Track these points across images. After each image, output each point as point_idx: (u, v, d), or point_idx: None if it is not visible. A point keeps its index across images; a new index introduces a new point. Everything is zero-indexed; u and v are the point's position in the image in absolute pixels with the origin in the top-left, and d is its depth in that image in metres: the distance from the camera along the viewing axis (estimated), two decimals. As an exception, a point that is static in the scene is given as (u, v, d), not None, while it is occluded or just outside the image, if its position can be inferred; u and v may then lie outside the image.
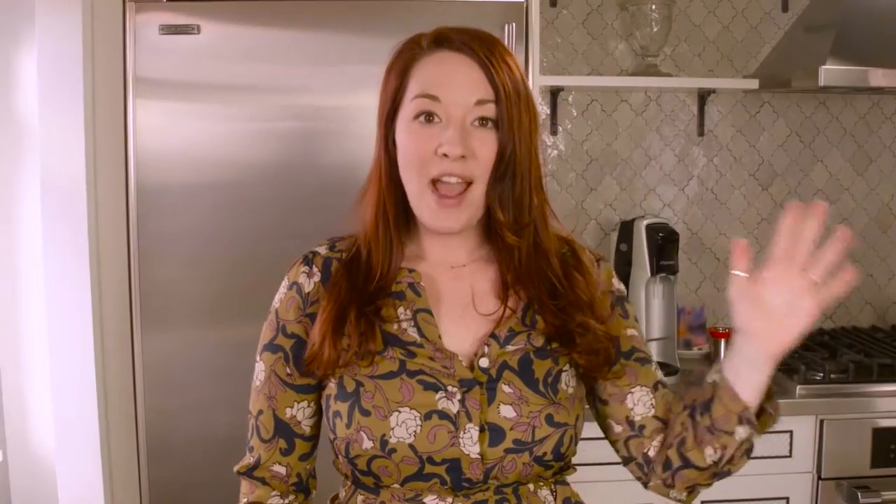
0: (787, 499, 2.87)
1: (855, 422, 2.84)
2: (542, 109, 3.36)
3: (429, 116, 1.43)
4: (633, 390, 1.55)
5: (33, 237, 2.79)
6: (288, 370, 1.53)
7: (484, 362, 1.47)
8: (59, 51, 2.55)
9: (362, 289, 1.49)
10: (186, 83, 2.61)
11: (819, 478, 2.86)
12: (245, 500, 1.59)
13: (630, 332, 1.57)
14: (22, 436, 3.25)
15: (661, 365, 3.03)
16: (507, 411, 1.44)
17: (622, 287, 1.62)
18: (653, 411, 1.55)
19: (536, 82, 2.72)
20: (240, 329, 2.66)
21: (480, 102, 1.42)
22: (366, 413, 1.43)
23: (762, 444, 2.77)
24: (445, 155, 1.41)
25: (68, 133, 2.60)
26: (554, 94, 3.35)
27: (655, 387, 1.57)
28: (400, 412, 1.42)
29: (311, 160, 2.63)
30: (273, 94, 2.62)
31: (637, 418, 1.55)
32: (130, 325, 2.72)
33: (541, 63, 3.17)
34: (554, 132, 3.37)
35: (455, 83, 1.43)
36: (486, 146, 1.43)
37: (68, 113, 2.58)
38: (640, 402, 1.56)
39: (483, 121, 1.43)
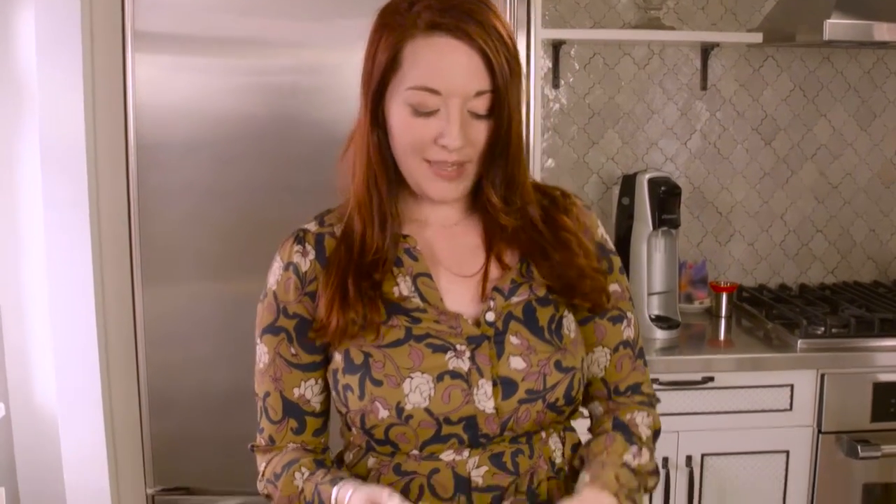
0: (788, 452, 2.91)
1: (856, 376, 2.87)
2: (544, 63, 3.38)
3: (427, 108, 1.41)
4: (594, 350, 1.59)
5: (33, 194, 2.80)
6: (293, 350, 1.53)
7: (490, 316, 1.49)
8: (57, 6, 2.54)
9: (359, 262, 1.48)
10: (186, 37, 2.60)
11: (819, 431, 2.89)
12: (266, 463, 1.58)
13: (611, 287, 1.59)
14: (24, 390, 3.28)
15: (662, 319, 3.07)
16: (516, 363, 1.46)
17: (607, 238, 1.63)
18: (602, 374, 1.60)
19: (538, 35, 2.71)
20: (241, 283, 2.68)
21: (479, 94, 1.40)
22: (378, 383, 1.44)
23: (763, 398, 2.85)
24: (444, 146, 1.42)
25: (67, 89, 2.60)
26: (556, 47, 3.34)
27: (617, 348, 1.60)
28: (412, 378, 1.43)
29: (311, 114, 2.62)
30: (272, 48, 2.62)
31: (588, 375, 1.60)
32: (131, 280, 2.73)
33: (543, 16, 3.16)
34: (556, 85, 3.38)
35: (455, 76, 1.39)
36: (482, 133, 1.43)
37: (67, 69, 2.58)
38: (595, 363, 1.61)
39: (480, 111, 1.43)
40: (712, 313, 3.38)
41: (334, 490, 1.41)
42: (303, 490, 1.48)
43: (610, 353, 1.60)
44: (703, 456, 2.90)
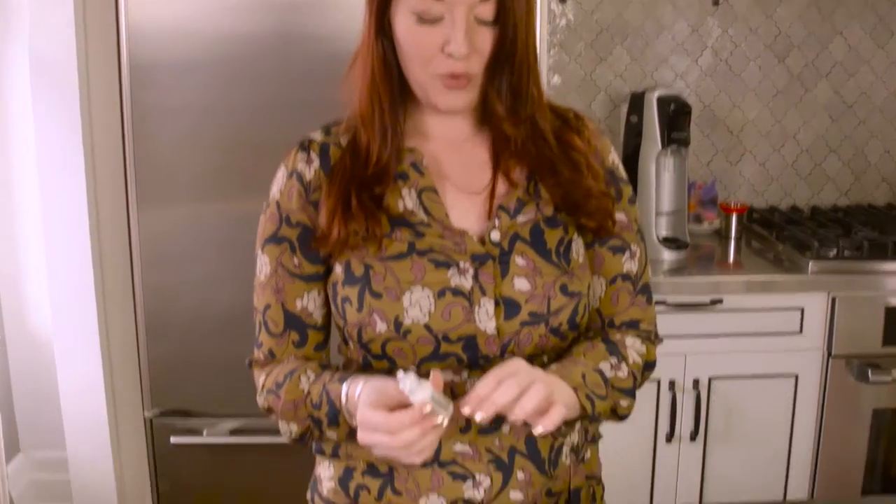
0: (796, 376, 2.90)
1: (867, 299, 2.85)
2: (551, -24, 3.30)
3: (432, 16, 1.40)
4: (590, 280, 1.55)
5: (25, 115, 2.76)
6: (295, 261, 1.51)
7: (495, 235, 1.46)
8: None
9: (363, 173, 1.47)
10: (180, -49, 2.55)
11: (829, 355, 2.88)
12: (266, 375, 1.55)
13: (617, 215, 1.56)
14: (19, 317, 3.28)
15: (671, 240, 3.04)
16: (521, 284, 1.44)
17: (619, 165, 1.60)
18: (596, 304, 1.57)
19: (545, -53, 2.67)
20: (239, 203, 2.66)
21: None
22: (377, 295, 1.43)
23: (772, 321, 2.83)
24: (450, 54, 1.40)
25: (57, 9, 2.55)
26: (563, -41, 3.28)
27: (614, 280, 1.56)
28: (412, 292, 1.42)
29: (306, 31, 2.58)
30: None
31: None
32: (126, 202, 2.71)
33: (550, -74, 3.11)
34: (562, 0, 3.31)
35: None
36: (488, 41, 1.41)
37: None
38: (591, 292, 1.57)
39: (485, 18, 1.40)
40: (722, 234, 3.36)
41: (344, 387, 1.40)
42: (309, 393, 1.46)
43: (606, 284, 1.56)
44: (710, 379, 2.90)
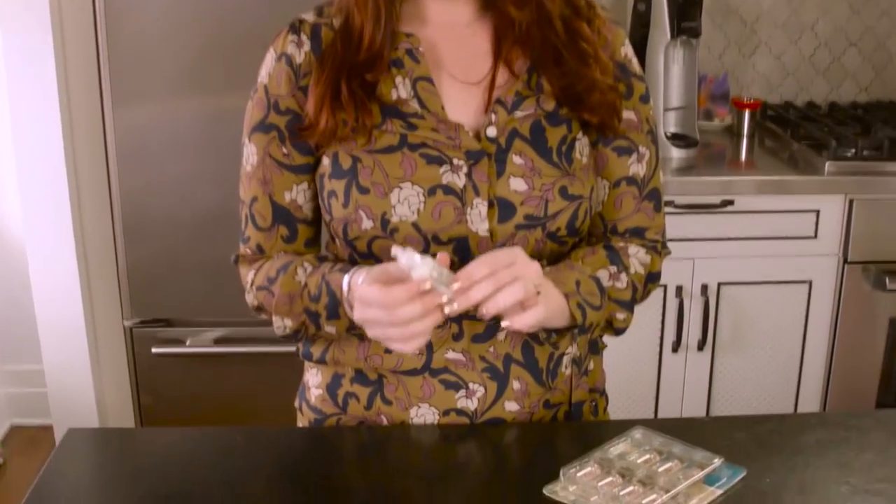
0: (810, 282, 2.91)
1: (887, 202, 2.84)
2: None
3: None
4: (594, 183, 1.53)
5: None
6: (284, 150, 1.50)
7: (491, 131, 1.45)
8: None
9: (355, 59, 1.46)
10: None
11: (845, 261, 2.88)
12: (256, 271, 1.54)
13: (626, 114, 1.54)
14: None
15: (679, 137, 3.02)
16: (517, 184, 1.43)
17: (633, 60, 1.58)
18: (599, 208, 1.55)
19: None
20: (221, 97, 2.65)
21: None
22: (364, 191, 1.43)
23: (785, 224, 2.83)
24: None
25: None
26: None
27: (618, 183, 1.55)
28: (401, 188, 1.42)
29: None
30: None
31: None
32: (100, 96, 2.69)
33: None
34: None
35: None
36: None
37: None
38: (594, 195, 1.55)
39: None
40: (733, 132, 3.34)
41: (346, 277, 1.39)
42: (306, 285, 1.45)
43: (609, 187, 1.55)
44: (719, 285, 2.91)
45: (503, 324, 1.33)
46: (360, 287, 1.32)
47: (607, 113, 1.50)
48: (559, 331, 1.44)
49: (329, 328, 1.45)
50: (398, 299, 1.26)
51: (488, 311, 1.30)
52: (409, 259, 1.27)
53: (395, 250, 1.29)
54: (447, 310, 1.28)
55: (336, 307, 1.41)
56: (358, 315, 1.33)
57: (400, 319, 1.27)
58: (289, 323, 1.49)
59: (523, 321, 1.32)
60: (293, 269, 1.48)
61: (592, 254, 1.50)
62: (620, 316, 1.50)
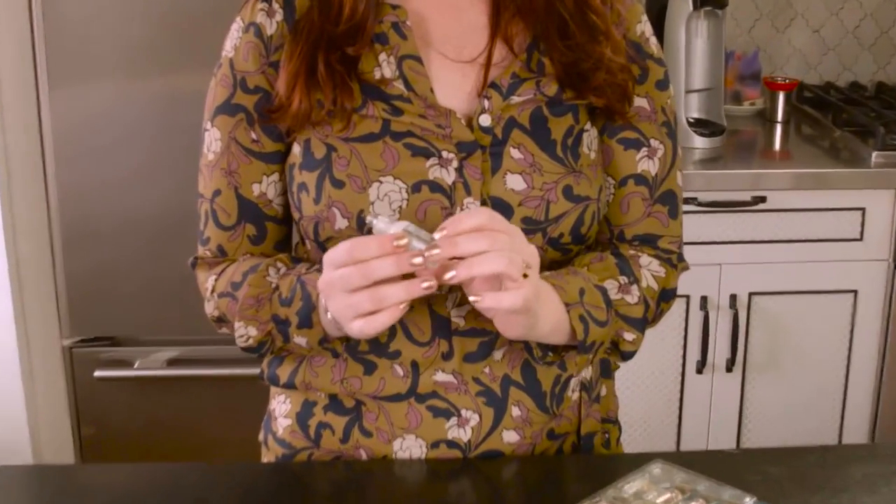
0: (856, 292, 2.92)
1: (943, 197, 2.86)
2: None
3: None
4: (602, 182, 1.53)
5: None
6: (253, 136, 1.50)
7: (485, 120, 1.44)
8: None
9: (333, 30, 1.45)
10: None
11: (895, 267, 2.91)
12: (217, 276, 1.53)
13: (639, 101, 1.54)
14: None
15: (703, 123, 3.03)
16: (515, 182, 1.43)
17: (650, 39, 1.57)
18: (604, 211, 1.55)
19: None
20: (179, 78, 2.65)
21: None
22: (338, 184, 1.42)
23: (826, 224, 2.84)
24: None
25: None
26: None
27: (625, 181, 1.54)
28: (381, 182, 1.41)
29: None
30: None
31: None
32: (34, 78, 2.70)
33: None
34: None
35: None
36: None
37: None
38: None
39: None
40: (765, 117, 3.36)
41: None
42: (277, 287, 1.45)
43: (614, 187, 1.55)
44: (750, 295, 2.91)
45: (471, 299, 1.29)
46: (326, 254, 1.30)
47: (615, 96, 1.49)
48: (556, 348, 1.43)
49: (299, 339, 1.44)
50: (367, 250, 1.24)
51: (458, 275, 1.25)
52: (384, 224, 1.27)
53: (370, 219, 1.28)
54: (425, 264, 1.23)
55: (309, 313, 1.40)
56: (321, 282, 1.30)
57: (368, 274, 1.24)
58: (252, 332, 1.47)
59: (499, 301, 1.27)
60: (264, 269, 1.47)
61: (599, 260, 1.49)
62: (629, 336, 1.48)
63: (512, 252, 1.25)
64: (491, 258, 1.23)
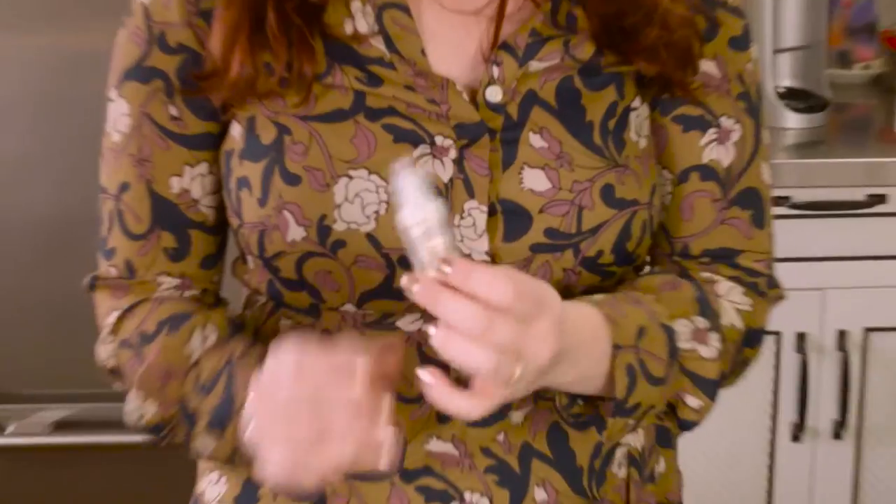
0: None
1: None
2: None
3: None
4: (656, 179, 1.52)
5: None
6: (173, 111, 1.49)
7: (494, 94, 1.43)
8: None
9: None
10: None
11: None
12: (122, 312, 1.50)
13: (704, 64, 1.52)
14: None
15: (798, 94, 3.05)
16: (535, 180, 1.42)
17: None
18: (658, 218, 1.54)
19: None
20: (76, 36, 2.67)
21: None
22: (293, 180, 1.41)
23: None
24: None
25: None
26: None
27: (686, 175, 1.54)
28: (351, 178, 1.40)
29: None
30: None
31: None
32: None
33: None
34: None
35: None
36: None
37: None
38: None
39: None
40: (884, 85, 3.38)
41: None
42: (198, 364, 1.44)
43: (672, 183, 1.55)
44: (865, 331, 2.93)
45: (431, 336, 1.18)
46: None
47: (673, 58, 1.48)
48: (588, 399, 1.40)
49: (204, 442, 1.42)
50: (322, 375, 1.20)
51: (434, 338, 1.17)
52: (406, 181, 1.19)
53: (396, 165, 1.21)
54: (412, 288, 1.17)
55: (226, 417, 1.38)
56: (253, 400, 1.25)
57: (323, 414, 1.19)
58: (150, 410, 1.46)
59: (453, 402, 1.21)
60: (188, 330, 1.46)
61: (672, 288, 1.47)
62: (693, 403, 1.45)
63: (508, 354, 1.17)
64: (474, 352, 1.16)
